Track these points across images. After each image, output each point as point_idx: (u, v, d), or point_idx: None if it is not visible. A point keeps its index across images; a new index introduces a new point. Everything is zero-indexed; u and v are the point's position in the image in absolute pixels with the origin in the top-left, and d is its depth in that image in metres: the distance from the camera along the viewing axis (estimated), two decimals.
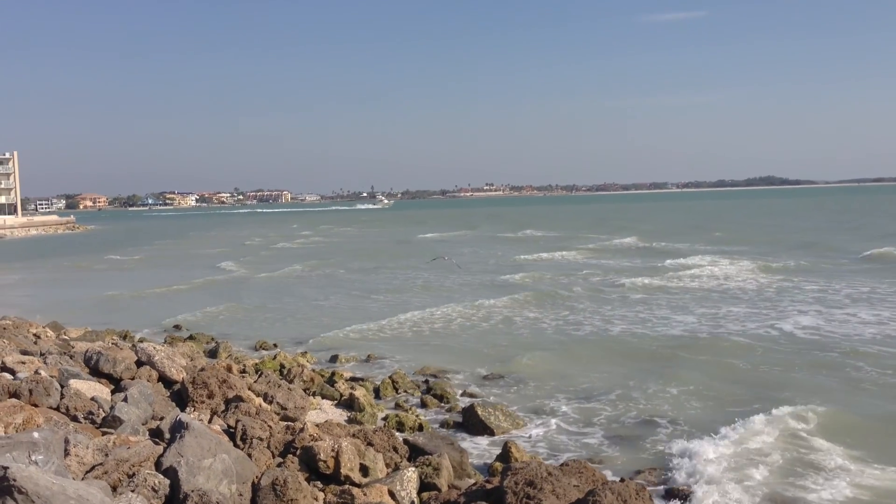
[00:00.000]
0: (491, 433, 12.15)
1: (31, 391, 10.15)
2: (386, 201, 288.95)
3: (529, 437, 12.15)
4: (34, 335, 18.23)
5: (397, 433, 11.23)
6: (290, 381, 14.36)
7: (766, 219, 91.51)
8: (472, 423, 12.50)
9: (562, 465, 9.05)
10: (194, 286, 35.07)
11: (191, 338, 20.65)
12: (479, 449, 11.60)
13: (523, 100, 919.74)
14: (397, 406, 14.02)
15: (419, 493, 9.08)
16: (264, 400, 12.14)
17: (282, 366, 16.27)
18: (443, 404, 14.09)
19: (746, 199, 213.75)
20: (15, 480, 5.00)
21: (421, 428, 12.32)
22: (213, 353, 18.30)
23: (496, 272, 37.07)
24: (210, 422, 10.66)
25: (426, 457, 9.69)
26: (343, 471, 8.93)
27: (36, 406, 9.70)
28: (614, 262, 41.95)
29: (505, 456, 10.54)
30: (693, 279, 31.99)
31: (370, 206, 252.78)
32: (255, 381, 13.01)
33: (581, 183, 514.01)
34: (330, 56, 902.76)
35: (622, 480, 9.55)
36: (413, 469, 9.17)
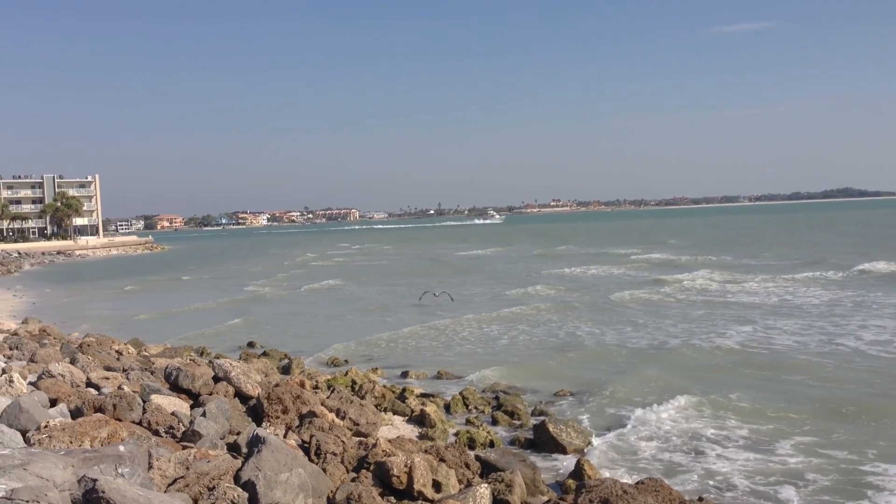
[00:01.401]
0: (563, 450, 12.03)
1: (115, 406, 10.49)
2: (498, 217, 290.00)
3: (602, 454, 11.99)
4: (117, 352, 18.85)
5: (469, 449, 11.23)
6: (362, 397, 14.50)
7: (828, 232, 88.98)
8: (543, 439, 12.41)
9: (637, 483, 8.90)
10: (236, 301, 37.52)
11: (264, 354, 21.07)
12: (552, 466, 11.51)
13: (590, 115, 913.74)
14: (468, 422, 14.01)
15: None
16: (337, 415, 12.29)
17: (353, 382, 16.44)
18: (514, 421, 14.02)
19: (821, 211, 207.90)
20: (104, 492, 5.18)
21: (492, 444, 12.28)
22: (286, 370, 18.61)
23: (525, 284, 37.74)
24: (285, 437, 10.85)
25: (498, 473, 9.65)
26: (416, 486, 8.97)
27: (120, 420, 10.00)
28: (623, 272, 44.91)
29: (578, 473, 10.43)
30: (682, 292, 33.67)
31: (484, 222, 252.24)
32: (327, 397, 13.19)
33: (650, 197, 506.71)
34: (394, 75, 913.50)
35: (700, 500, 9.37)
36: (486, 485, 9.14)
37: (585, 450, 12.08)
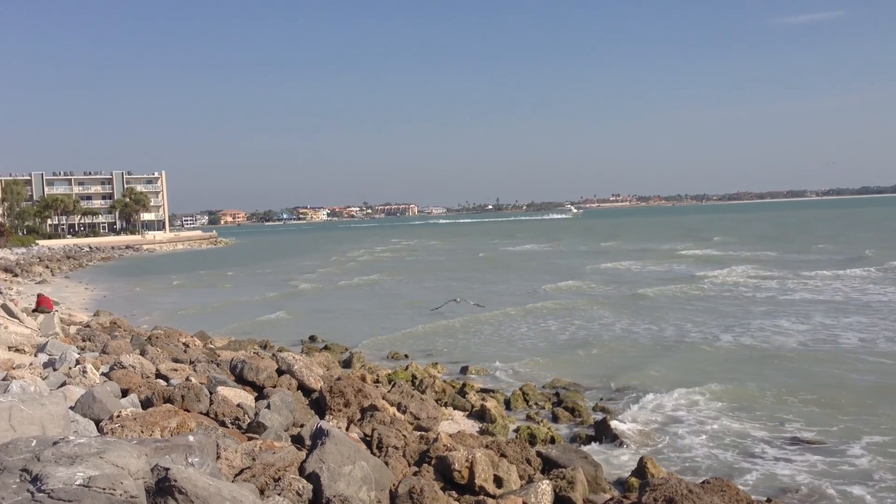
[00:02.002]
0: (625, 447, 11.92)
1: (183, 397, 10.75)
2: (575, 210, 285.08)
3: (664, 452, 11.84)
4: (184, 344, 19.32)
5: (529, 445, 11.20)
6: (423, 392, 14.58)
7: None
8: (605, 436, 12.32)
9: (703, 482, 8.76)
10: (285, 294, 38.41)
11: (326, 348, 21.35)
12: (613, 463, 11.39)
13: (650, 108, 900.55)
14: (528, 418, 13.98)
15: None
16: (398, 409, 12.38)
17: (413, 376, 16.55)
18: (575, 417, 13.94)
19: (891, 206, 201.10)
20: (175, 481, 5.31)
21: (553, 440, 12.23)
22: (347, 363, 18.83)
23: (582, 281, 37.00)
24: (347, 430, 10.98)
25: (560, 470, 9.61)
26: (477, 481, 8.99)
27: (188, 411, 10.25)
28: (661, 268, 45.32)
29: (641, 471, 10.32)
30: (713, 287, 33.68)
31: (561, 216, 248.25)
32: (388, 391, 13.30)
33: (712, 192, 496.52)
34: (452, 72, 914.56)
35: (768, 501, 9.18)
36: (547, 482, 9.12)
37: (648, 447, 11.95)
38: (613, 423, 12.30)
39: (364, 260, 67.80)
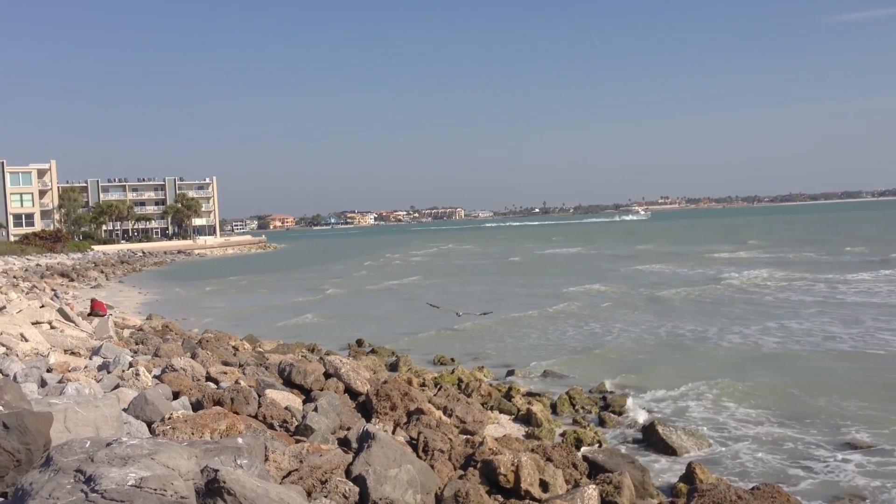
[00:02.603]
0: (673, 453, 11.78)
1: (232, 399, 10.93)
2: (642, 212, 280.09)
3: (714, 457, 11.67)
4: (233, 347, 19.63)
5: (576, 450, 11.14)
6: (469, 395, 14.60)
7: None
8: (652, 441, 12.19)
9: (752, 488, 8.62)
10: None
11: (373, 351, 21.49)
12: (661, 469, 11.28)
13: (700, 108, 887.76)
14: (575, 422, 13.90)
15: None
16: (444, 413, 12.42)
17: (459, 380, 16.57)
18: (622, 421, 13.83)
19: None
20: (225, 482, 5.41)
21: (600, 445, 12.15)
22: (393, 367, 18.93)
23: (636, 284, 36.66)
24: (393, 433, 11.05)
25: (606, 474, 9.55)
26: (523, 485, 8.97)
27: (237, 413, 10.42)
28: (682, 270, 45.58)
29: (689, 477, 10.19)
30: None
31: (631, 218, 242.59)
32: (434, 395, 13.35)
33: (764, 193, 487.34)
34: (500, 74, 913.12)
35: None
36: (594, 486, 9.06)
37: (696, 452, 11.79)
38: (661, 428, 12.15)
39: (397, 265, 68.64)
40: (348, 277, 53.76)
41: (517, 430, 13.25)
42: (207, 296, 44.62)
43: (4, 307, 19.28)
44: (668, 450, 11.85)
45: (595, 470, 10.13)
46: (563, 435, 12.76)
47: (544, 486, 9.18)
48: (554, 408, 14.88)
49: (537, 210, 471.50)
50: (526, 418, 13.87)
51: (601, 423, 13.84)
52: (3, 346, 14.45)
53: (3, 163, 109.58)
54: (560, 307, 30.14)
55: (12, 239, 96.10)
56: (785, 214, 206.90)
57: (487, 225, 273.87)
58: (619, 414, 14.07)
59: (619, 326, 25.12)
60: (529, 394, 15.91)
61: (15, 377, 11.19)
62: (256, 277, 58.24)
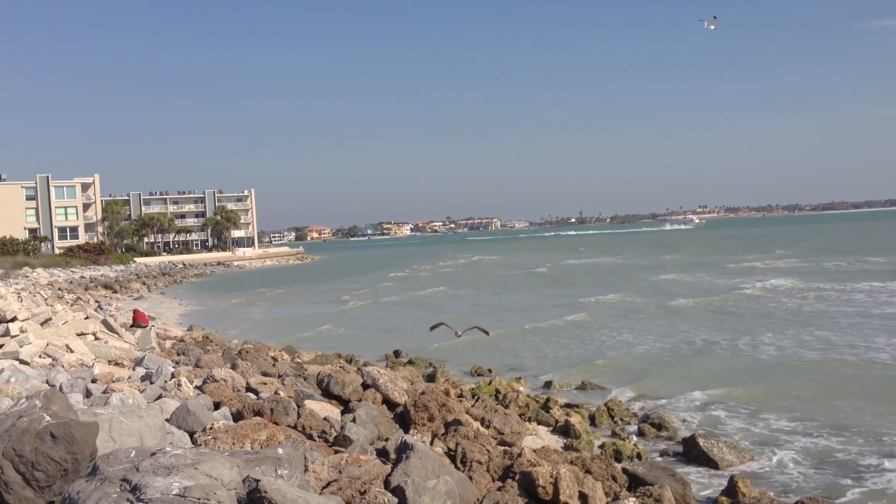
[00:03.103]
0: (714, 466, 11.63)
1: (272, 410, 11.03)
2: (697, 220, 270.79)
3: (756, 470, 11.50)
4: (272, 358, 19.81)
5: (615, 462, 11.05)
6: (506, 406, 14.56)
7: None
8: (693, 454, 12.04)
9: (796, 502, 8.48)
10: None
11: (410, 362, 21.54)
12: (702, 482, 11.13)
13: (740, 116, 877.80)
14: (613, 434, 13.80)
15: None
16: (482, 424, 12.40)
17: (497, 391, 16.53)
18: (661, 433, 13.68)
19: None
20: (266, 492, 5.48)
21: (639, 457, 12.04)
22: (431, 378, 18.96)
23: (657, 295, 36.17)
24: (431, 444, 11.05)
25: (647, 487, 9.45)
26: (562, 497, 8.92)
27: (276, 424, 10.51)
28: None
29: (731, 491, 10.05)
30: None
31: (682, 227, 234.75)
32: (472, 406, 13.33)
33: (805, 202, 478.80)
34: (536, 84, 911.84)
35: None
36: (633, 499, 8.98)
37: (738, 465, 11.63)
38: (702, 440, 12.00)
39: (424, 276, 69.25)
40: (371, 289, 54.50)
41: (555, 442, 13.18)
42: (241, 307, 45.21)
43: (50, 319, 19.69)
44: (709, 462, 11.70)
45: (635, 483, 10.03)
46: (602, 447, 12.67)
47: (583, 498, 9.11)
48: (592, 419, 14.78)
49: (573, 220, 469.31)
50: (564, 430, 13.79)
51: (641, 434, 13.72)
52: (50, 357, 14.76)
53: (48, 177, 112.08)
54: (578, 317, 30.65)
55: (57, 251, 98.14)
56: (826, 223, 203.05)
57: (525, 235, 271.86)
58: (659, 426, 13.93)
59: (652, 337, 24.96)
60: (567, 405, 15.82)
61: (61, 387, 11.42)
62: (291, 288, 58.90)
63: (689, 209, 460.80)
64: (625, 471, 10.36)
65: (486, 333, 17.88)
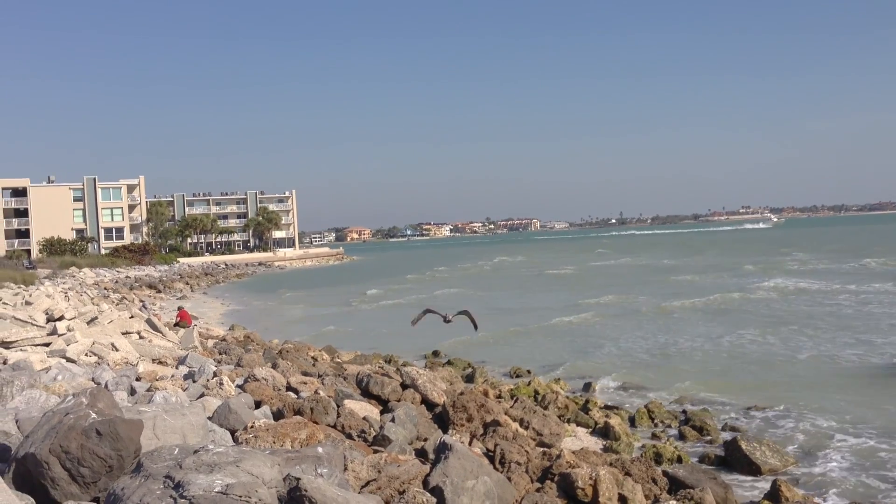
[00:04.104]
0: (757, 470, 11.44)
1: (312, 409, 11.13)
2: (775, 219, 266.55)
3: (800, 475, 11.30)
4: (312, 358, 19.97)
5: (655, 464, 10.95)
6: (545, 408, 14.51)
7: None
8: (735, 458, 11.87)
9: None
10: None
11: (449, 363, 21.55)
12: (744, 486, 10.97)
13: (782, 117, 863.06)
14: (654, 436, 13.67)
15: None
16: (520, 425, 12.37)
17: (536, 392, 16.48)
18: (703, 436, 13.51)
19: None
20: (306, 491, 5.52)
21: (680, 460, 11.91)
22: (470, 378, 18.95)
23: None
24: (470, 444, 11.06)
25: (687, 490, 9.34)
26: (601, 500, 8.86)
27: (316, 423, 10.60)
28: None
29: (774, 495, 9.90)
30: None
31: (757, 226, 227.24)
32: (511, 407, 13.31)
33: (852, 202, 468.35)
34: (576, 87, 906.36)
35: None
36: (674, 502, 8.89)
37: (782, 470, 11.43)
38: (744, 444, 11.82)
39: (442, 277, 69.75)
40: (389, 288, 55.38)
41: (595, 444, 13.09)
42: (282, 307, 45.73)
43: (96, 318, 20.09)
44: (751, 466, 11.52)
45: (675, 485, 9.93)
46: (642, 449, 12.56)
47: (623, 500, 9.05)
48: (632, 421, 14.65)
49: (614, 220, 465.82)
50: (604, 431, 13.70)
51: (681, 437, 13.57)
52: (96, 355, 15.05)
53: (94, 179, 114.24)
54: (581, 316, 31.36)
55: (103, 252, 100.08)
56: (872, 223, 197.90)
57: (561, 237, 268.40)
58: (700, 429, 13.75)
59: (685, 338, 24.71)
60: (607, 406, 15.70)
61: (106, 385, 11.64)
62: (330, 289, 59.29)
63: (733, 210, 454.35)
64: (665, 473, 10.26)
65: (475, 325, 15.38)
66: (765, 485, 10.53)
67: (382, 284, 59.20)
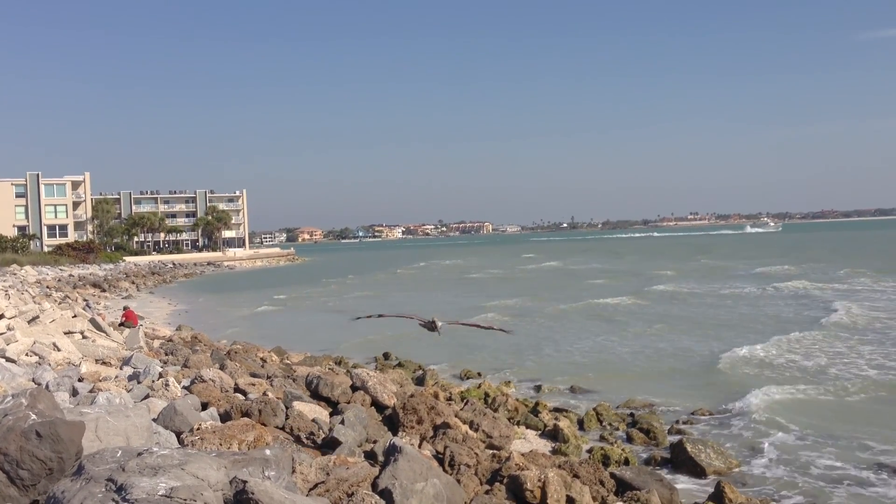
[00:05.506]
0: (702, 472, 11.64)
1: (260, 411, 10.99)
2: (772, 224, 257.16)
3: (743, 477, 11.52)
4: (261, 359, 19.73)
5: (603, 466, 11.05)
6: (495, 410, 14.55)
7: None
8: (680, 459, 12.06)
9: None
10: None
11: (399, 365, 21.50)
12: (689, 488, 11.15)
13: (729, 124, 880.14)
14: (602, 439, 13.81)
15: None
16: (470, 427, 12.38)
17: (486, 394, 16.52)
18: (649, 439, 13.70)
19: None
20: (253, 494, 5.44)
21: (627, 462, 12.04)
22: (420, 381, 18.92)
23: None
24: (420, 447, 11.03)
25: (634, 492, 9.47)
26: (549, 501, 8.92)
27: (264, 425, 10.47)
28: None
29: (718, 496, 10.07)
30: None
31: (756, 230, 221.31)
32: (461, 409, 13.31)
33: (795, 210, 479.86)
34: (526, 90, 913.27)
35: None
36: None
37: (726, 472, 11.65)
38: (690, 446, 12.02)
39: (380, 279, 71.22)
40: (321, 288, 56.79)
41: (544, 446, 13.18)
42: (231, 308, 45.13)
43: (38, 317, 19.57)
44: (696, 468, 11.71)
45: (623, 487, 10.04)
46: (590, 451, 12.67)
47: (571, 502, 9.11)
48: (581, 424, 14.79)
49: (565, 225, 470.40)
50: (553, 434, 13.79)
51: (629, 439, 13.74)
52: (36, 355, 14.66)
53: (38, 175, 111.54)
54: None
55: (46, 250, 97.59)
56: (813, 231, 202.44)
57: (545, 239, 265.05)
58: (647, 431, 13.94)
59: (628, 342, 25.11)
60: (556, 409, 15.82)
61: (47, 386, 11.35)
62: (280, 289, 58.71)
63: (682, 216, 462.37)
64: (612, 475, 10.37)
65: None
66: (709, 486, 10.71)
67: (298, 289, 59.42)
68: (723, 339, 25.22)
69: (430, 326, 12.16)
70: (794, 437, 13.47)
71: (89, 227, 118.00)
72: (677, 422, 14.84)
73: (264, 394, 12.64)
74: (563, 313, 34.40)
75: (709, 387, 17.90)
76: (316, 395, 13.49)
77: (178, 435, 9.31)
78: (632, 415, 15.29)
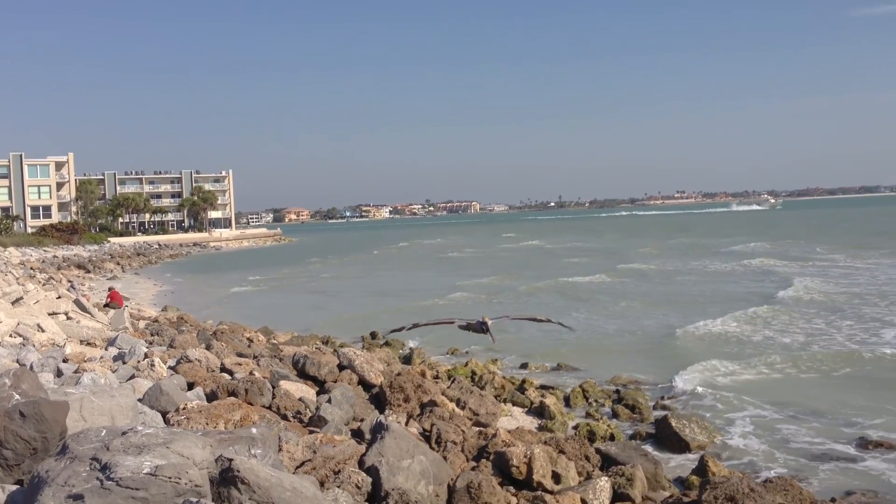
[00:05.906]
0: (686, 446, 11.74)
1: (246, 390, 11.00)
2: (773, 201, 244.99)
3: (727, 451, 11.64)
4: (248, 339, 19.73)
5: (589, 442, 11.13)
6: (482, 388, 14.61)
7: None
8: (665, 434, 12.16)
9: (765, 481, 8.60)
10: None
11: (386, 344, 21.53)
12: (674, 462, 11.26)
13: (715, 102, 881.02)
14: (588, 415, 13.90)
15: (612, 503, 8.95)
16: (457, 405, 12.44)
17: (473, 372, 16.58)
18: (635, 415, 13.80)
19: None
20: (238, 472, 5.45)
21: (612, 438, 12.14)
22: (407, 359, 18.96)
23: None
24: (406, 424, 11.08)
25: (619, 467, 9.53)
26: (535, 477, 8.98)
27: (251, 404, 10.48)
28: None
29: (701, 470, 10.17)
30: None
31: (753, 208, 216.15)
32: (448, 387, 13.36)
33: (781, 188, 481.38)
34: (513, 71, 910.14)
35: (833, 501, 9.00)
36: (606, 478, 9.06)
37: (709, 446, 11.76)
38: (674, 421, 12.12)
39: (365, 259, 71.75)
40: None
41: (530, 423, 13.25)
42: (218, 288, 45.05)
43: (21, 298, 19.46)
44: (680, 443, 11.81)
45: (608, 462, 10.12)
46: (576, 427, 12.76)
47: (556, 477, 9.18)
48: (567, 400, 14.88)
49: (553, 204, 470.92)
50: (539, 411, 13.87)
51: (614, 415, 13.83)
52: (21, 336, 14.59)
53: (21, 155, 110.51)
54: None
55: (30, 231, 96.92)
56: (800, 209, 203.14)
57: (526, 218, 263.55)
58: (633, 407, 14.04)
59: (612, 320, 25.28)
60: (543, 386, 15.90)
61: (32, 367, 11.30)
62: (268, 269, 58.60)
63: (668, 194, 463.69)
64: (598, 451, 10.44)
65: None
66: (693, 460, 10.81)
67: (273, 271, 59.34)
68: (686, 314, 25.77)
69: (480, 328, 11.08)
70: (781, 411, 13.61)
71: (73, 208, 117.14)
72: (662, 397, 14.96)
73: (251, 373, 12.64)
74: (538, 290, 34.79)
75: (668, 360, 18.28)
76: (303, 375, 13.51)
77: (163, 415, 9.31)
78: (617, 391, 15.38)
